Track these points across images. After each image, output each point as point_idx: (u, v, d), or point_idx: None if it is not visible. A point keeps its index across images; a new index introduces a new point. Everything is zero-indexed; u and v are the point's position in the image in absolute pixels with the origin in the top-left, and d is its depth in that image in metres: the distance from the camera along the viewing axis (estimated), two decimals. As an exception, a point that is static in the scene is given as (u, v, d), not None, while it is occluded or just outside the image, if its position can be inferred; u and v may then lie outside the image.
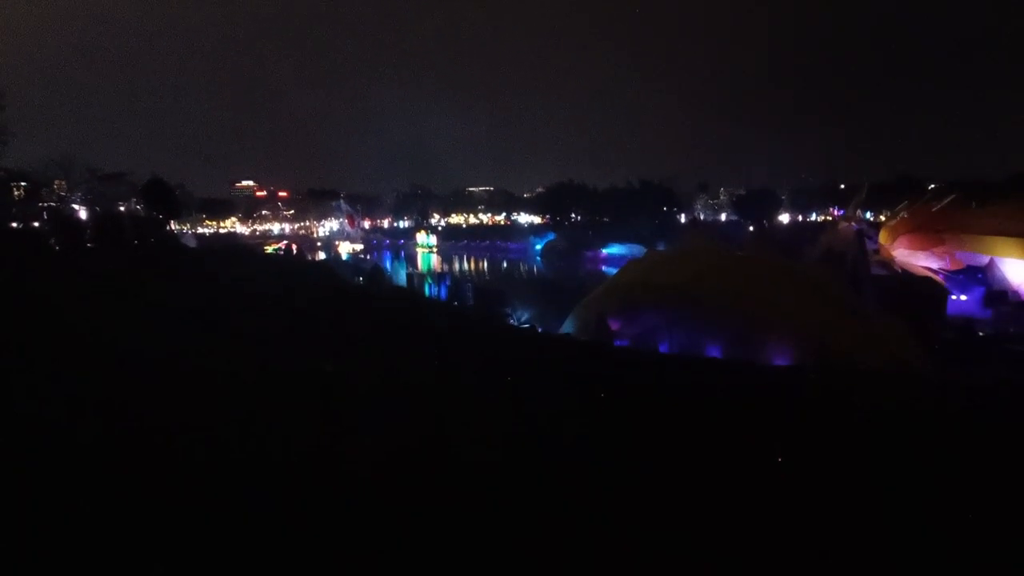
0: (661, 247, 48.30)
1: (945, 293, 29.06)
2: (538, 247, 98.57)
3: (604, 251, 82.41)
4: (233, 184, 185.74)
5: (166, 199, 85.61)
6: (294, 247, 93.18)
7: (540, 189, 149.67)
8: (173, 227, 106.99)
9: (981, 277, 34.17)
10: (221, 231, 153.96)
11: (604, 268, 70.30)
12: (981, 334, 28.65)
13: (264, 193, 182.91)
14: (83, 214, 69.19)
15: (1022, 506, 6.64)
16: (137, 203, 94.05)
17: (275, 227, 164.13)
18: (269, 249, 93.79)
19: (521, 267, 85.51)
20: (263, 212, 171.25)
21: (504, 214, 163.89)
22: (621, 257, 72.44)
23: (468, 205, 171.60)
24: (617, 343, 23.76)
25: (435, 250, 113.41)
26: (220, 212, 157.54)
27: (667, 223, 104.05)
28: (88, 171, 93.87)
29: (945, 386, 16.38)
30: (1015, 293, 32.82)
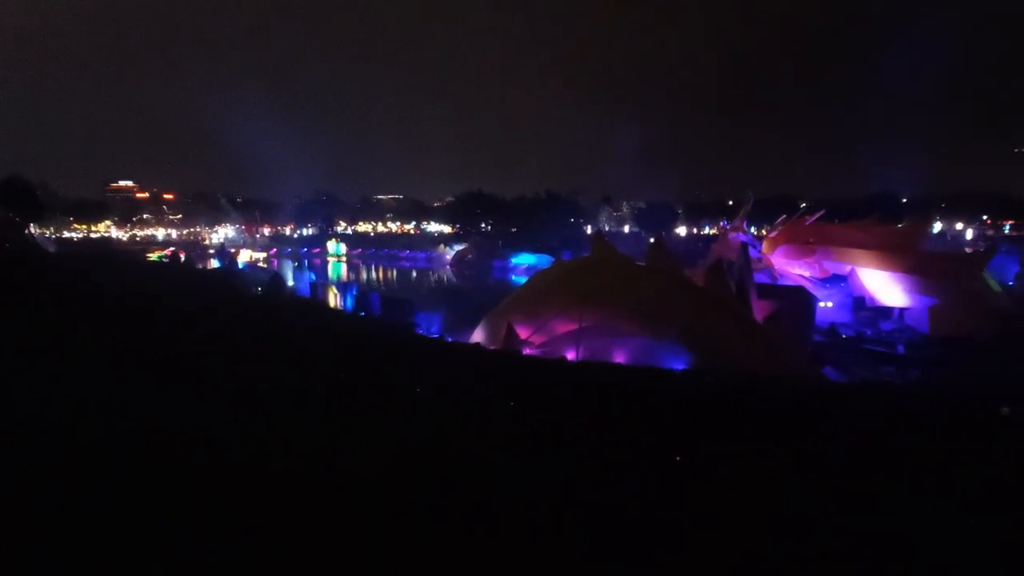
0: (567, 257, 49.65)
1: (813, 299, 32.26)
2: (448, 256, 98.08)
3: (512, 260, 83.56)
4: (108, 184, 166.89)
5: (25, 199, 75.88)
6: (181, 255, 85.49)
7: (450, 198, 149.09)
8: (34, 231, 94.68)
9: (844, 285, 38.50)
10: (93, 236, 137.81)
11: (513, 277, 71.22)
12: (844, 336, 32.14)
13: (146, 195, 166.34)
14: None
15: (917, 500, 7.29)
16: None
17: (159, 232, 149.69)
18: (153, 256, 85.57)
19: (431, 276, 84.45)
20: (144, 216, 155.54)
21: (414, 223, 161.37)
22: (530, 267, 73.85)
23: (376, 213, 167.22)
24: (526, 352, 23.94)
25: (344, 259, 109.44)
26: (92, 215, 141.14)
27: (573, 234, 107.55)
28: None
29: (827, 387, 18.14)
30: (871, 299, 37.25)
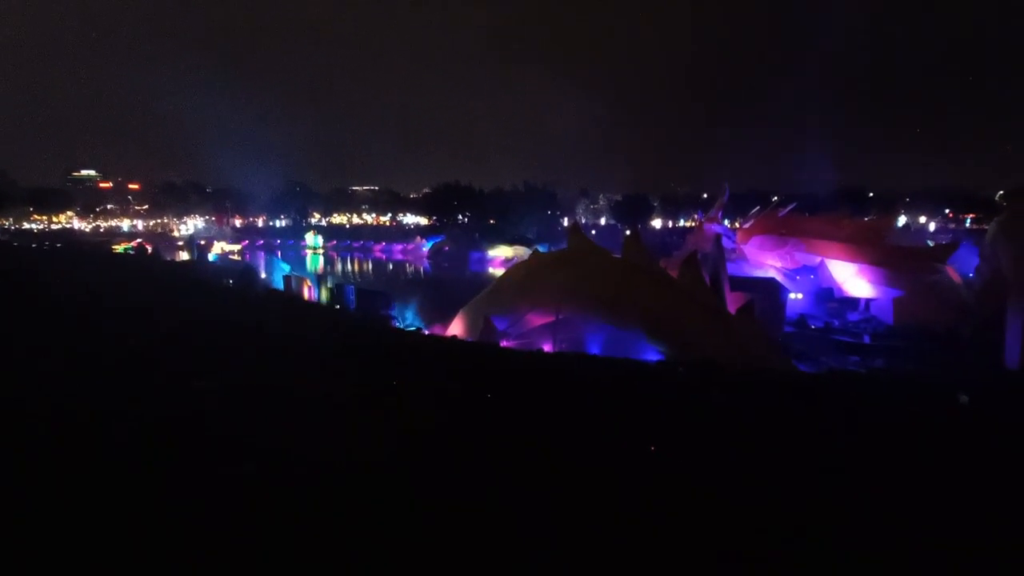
0: (543, 249, 49.70)
1: (784, 291, 32.95)
2: (424, 248, 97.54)
3: (490, 252, 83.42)
4: (69, 172, 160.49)
5: (-21, 188, 72.70)
6: (148, 247, 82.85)
7: (426, 190, 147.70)
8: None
9: (814, 276, 39.47)
10: (54, 227, 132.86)
11: (490, 269, 71.08)
12: (813, 327, 32.92)
13: (110, 184, 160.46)
14: None
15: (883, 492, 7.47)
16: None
17: (125, 223, 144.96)
18: (119, 248, 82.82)
19: (407, 268, 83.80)
20: (108, 206, 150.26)
21: (389, 214, 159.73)
22: (507, 259, 73.82)
23: (351, 204, 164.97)
24: (503, 343, 23.98)
25: (321, 251, 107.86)
26: (53, 205, 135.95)
27: (550, 226, 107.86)
28: None
29: (796, 378, 18.59)
30: (839, 290, 38.25)
